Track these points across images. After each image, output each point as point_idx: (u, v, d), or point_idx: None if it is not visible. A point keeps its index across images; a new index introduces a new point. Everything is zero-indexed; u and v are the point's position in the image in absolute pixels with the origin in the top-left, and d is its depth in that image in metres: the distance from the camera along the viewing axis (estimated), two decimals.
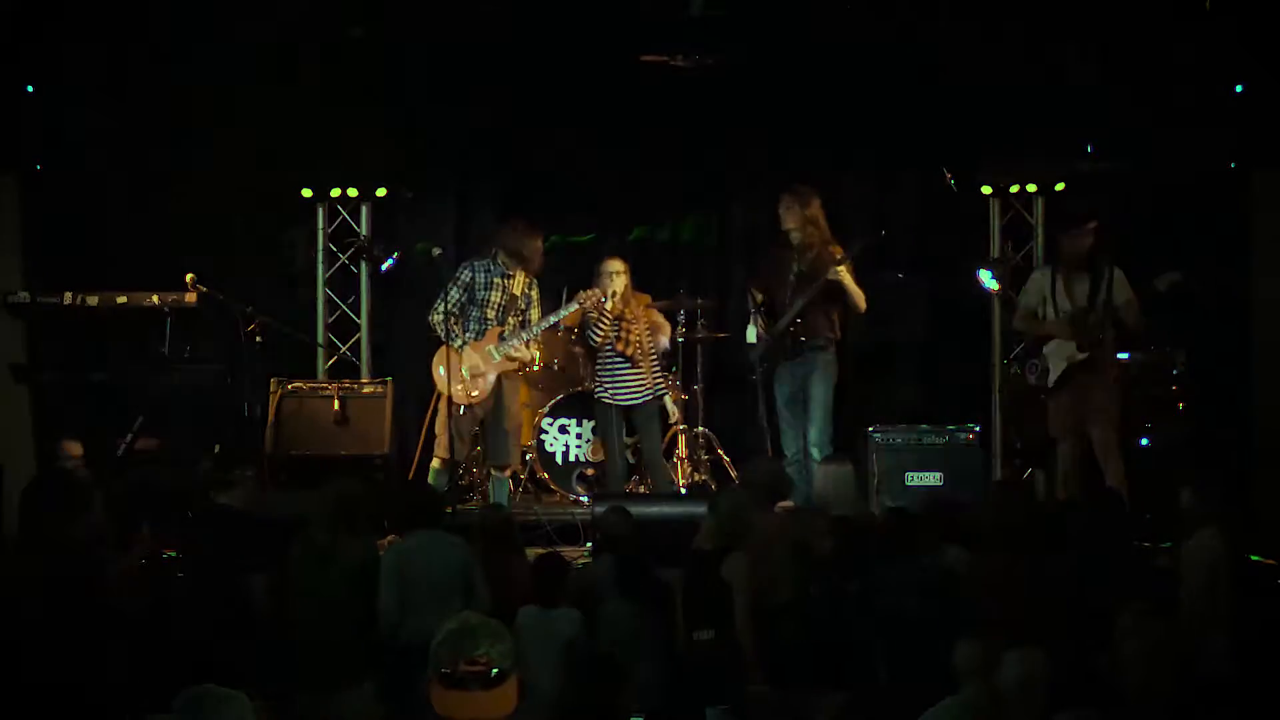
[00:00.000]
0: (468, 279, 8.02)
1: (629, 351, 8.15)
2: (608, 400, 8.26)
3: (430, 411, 8.20)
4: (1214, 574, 5.25)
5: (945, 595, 5.31)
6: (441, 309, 7.90)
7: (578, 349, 8.95)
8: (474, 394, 7.89)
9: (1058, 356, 7.68)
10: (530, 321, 8.10)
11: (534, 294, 8.16)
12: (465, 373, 7.85)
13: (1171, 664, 4.24)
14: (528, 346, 8.12)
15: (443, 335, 7.89)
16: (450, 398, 7.65)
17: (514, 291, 8.04)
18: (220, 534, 5.95)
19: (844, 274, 7.91)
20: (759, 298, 8.24)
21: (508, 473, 8.19)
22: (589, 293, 8.07)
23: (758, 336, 8.55)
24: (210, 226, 9.21)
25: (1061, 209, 9.00)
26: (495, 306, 8.02)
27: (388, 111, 9.27)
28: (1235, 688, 4.58)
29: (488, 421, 8.10)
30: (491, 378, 7.95)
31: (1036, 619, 4.81)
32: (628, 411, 8.27)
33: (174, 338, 8.38)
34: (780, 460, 8.01)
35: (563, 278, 8.82)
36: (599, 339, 8.20)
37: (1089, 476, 7.64)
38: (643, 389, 8.22)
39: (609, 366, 8.24)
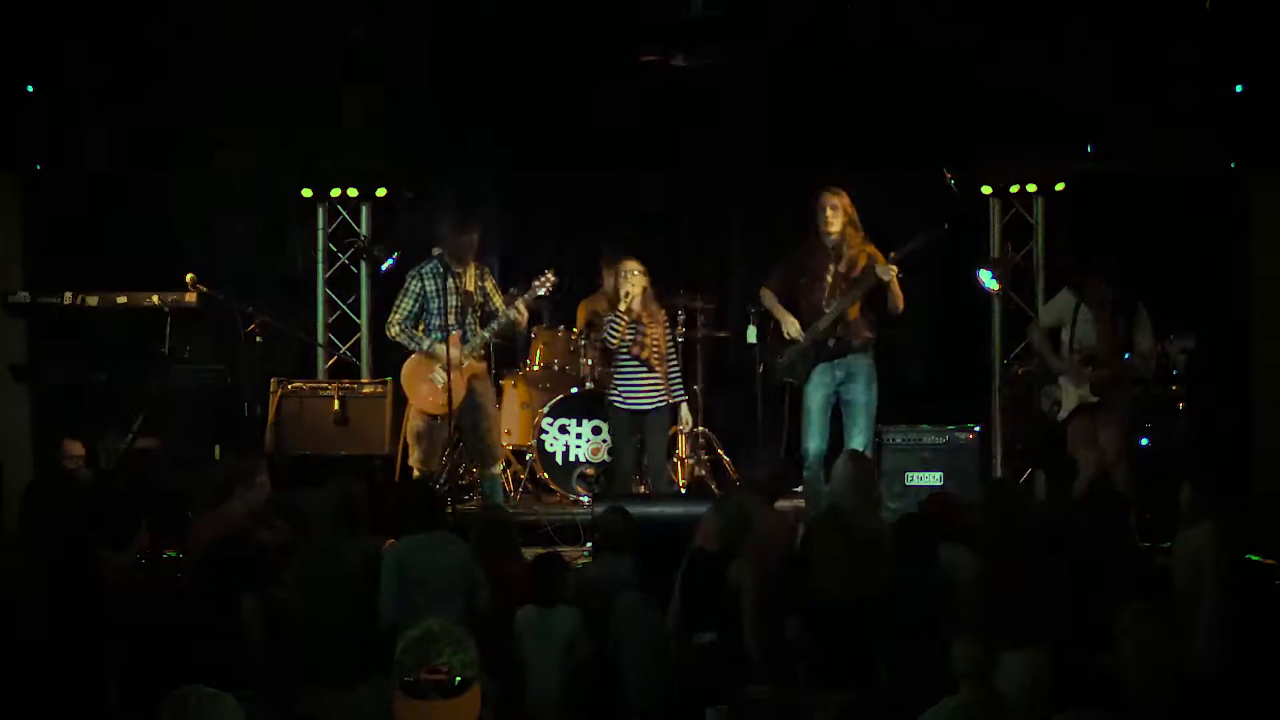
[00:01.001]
0: (418, 288, 7.83)
1: (644, 355, 8.06)
2: (620, 404, 8.18)
3: (405, 422, 8.10)
4: (1203, 571, 5.25)
5: (945, 595, 5.31)
6: (395, 320, 7.81)
7: (586, 349, 8.90)
8: (444, 405, 7.66)
9: (1072, 393, 7.66)
10: (496, 311, 7.89)
11: (488, 284, 7.97)
12: (436, 380, 7.73)
13: (1171, 664, 4.24)
14: (514, 317, 7.87)
15: (406, 344, 7.80)
16: (434, 410, 7.65)
17: (467, 288, 7.86)
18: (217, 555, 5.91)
19: (893, 272, 7.63)
20: (771, 299, 8.03)
21: (498, 468, 8.09)
22: (544, 278, 7.92)
23: (758, 336, 8.53)
24: (210, 226, 9.22)
25: (1089, 261, 8.87)
26: (452, 310, 7.82)
27: (388, 111, 9.28)
28: (1234, 688, 4.58)
29: (465, 427, 7.93)
30: (461, 383, 7.71)
31: (1036, 619, 4.81)
32: (639, 416, 8.17)
33: (174, 338, 8.37)
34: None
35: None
36: (614, 340, 8.07)
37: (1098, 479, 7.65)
38: (656, 394, 8.12)
39: (624, 370, 8.14)
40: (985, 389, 9.63)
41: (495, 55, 9.16)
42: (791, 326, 7.86)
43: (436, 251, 7.90)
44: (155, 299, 8.41)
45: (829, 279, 7.82)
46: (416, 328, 7.86)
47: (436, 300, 7.82)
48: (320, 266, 9.74)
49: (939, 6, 8.80)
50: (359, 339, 9.76)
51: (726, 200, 10.18)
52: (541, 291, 7.90)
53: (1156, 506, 7.26)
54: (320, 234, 9.72)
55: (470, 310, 7.85)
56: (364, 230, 9.71)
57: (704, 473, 8.92)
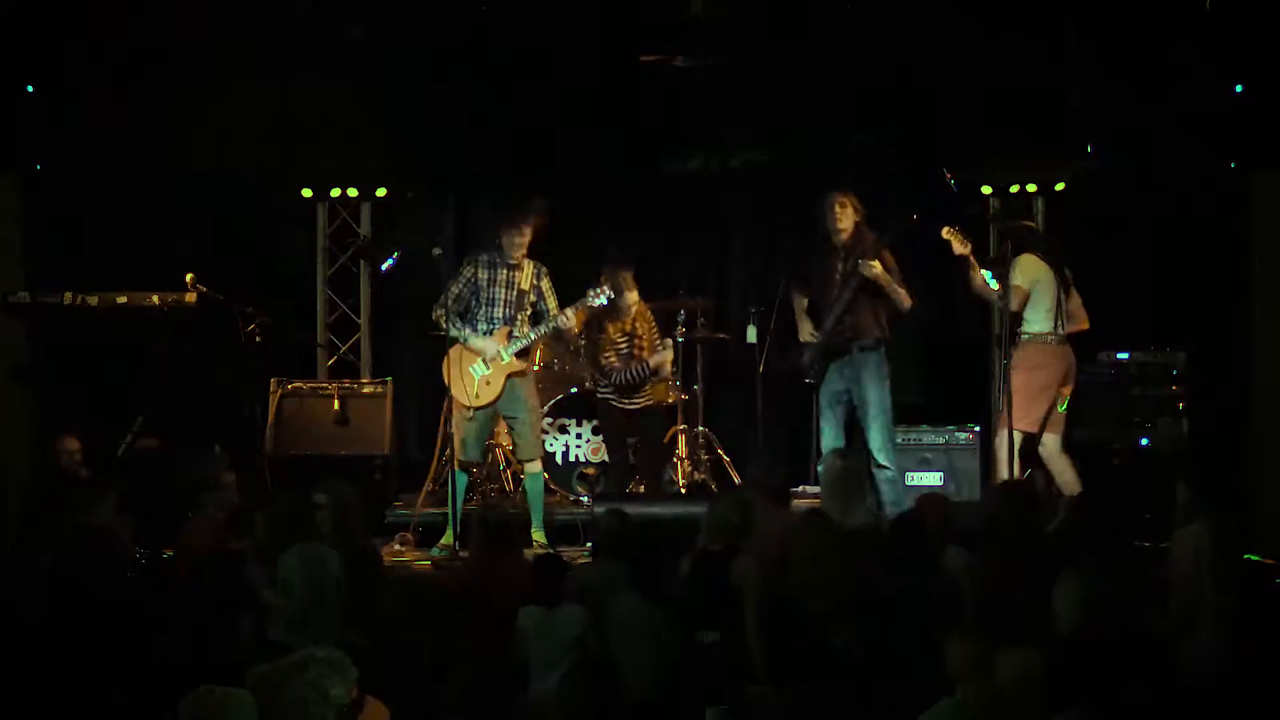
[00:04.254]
0: (470, 274, 7.77)
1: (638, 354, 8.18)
2: (614, 403, 8.25)
3: (444, 415, 8.06)
4: (1199, 570, 5.25)
5: (945, 595, 5.30)
6: (442, 301, 7.71)
7: (585, 349, 8.90)
8: (480, 397, 7.71)
9: None
10: (549, 312, 7.83)
11: (544, 284, 7.88)
12: (475, 374, 7.74)
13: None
14: (564, 324, 7.83)
15: (446, 328, 7.71)
16: (470, 401, 7.67)
17: (522, 286, 7.79)
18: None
19: (876, 268, 7.74)
20: (804, 302, 8.10)
21: (538, 465, 8.04)
22: (600, 289, 7.93)
23: (758, 336, 8.56)
24: (210, 226, 9.22)
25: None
26: (503, 303, 7.78)
27: (388, 111, 9.28)
28: (1233, 687, 4.57)
29: (508, 421, 7.97)
30: (500, 380, 7.75)
31: (1035, 619, 4.80)
32: (633, 415, 8.26)
33: (174, 338, 8.38)
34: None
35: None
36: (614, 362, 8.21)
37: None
38: (641, 394, 8.22)
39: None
40: (985, 389, 9.63)
41: (495, 55, 9.16)
42: (804, 330, 8.00)
43: (497, 242, 7.83)
44: (155, 299, 8.41)
45: (837, 278, 7.89)
46: (464, 315, 7.79)
47: (486, 291, 7.77)
48: (320, 266, 9.74)
49: (939, 6, 8.80)
50: (359, 339, 9.76)
51: (727, 200, 10.17)
52: (595, 302, 7.90)
53: (1156, 506, 7.25)
54: (320, 234, 9.73)
55: (522, 308, 7.81)
56: (364, 230, 9.71)
57: (704, 474, 8.91)
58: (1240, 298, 8.88)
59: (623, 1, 8.88)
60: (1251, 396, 8.80)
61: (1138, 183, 8.96)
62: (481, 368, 7.72)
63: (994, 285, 9.29)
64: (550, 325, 7.84)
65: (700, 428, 8.99)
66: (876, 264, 7.72)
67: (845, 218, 7.87)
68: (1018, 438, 7.59)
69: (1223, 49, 8.41)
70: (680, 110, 9.51)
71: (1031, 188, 9.57)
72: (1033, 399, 7.65)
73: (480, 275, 7.79)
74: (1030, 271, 7.71)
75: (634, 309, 8.27)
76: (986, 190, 9.58)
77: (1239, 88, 8.56)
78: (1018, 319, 7.70)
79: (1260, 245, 8.87)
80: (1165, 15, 8.52)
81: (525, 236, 7.76)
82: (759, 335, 8.66)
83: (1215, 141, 8.66)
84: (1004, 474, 7.41)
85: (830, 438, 8.00)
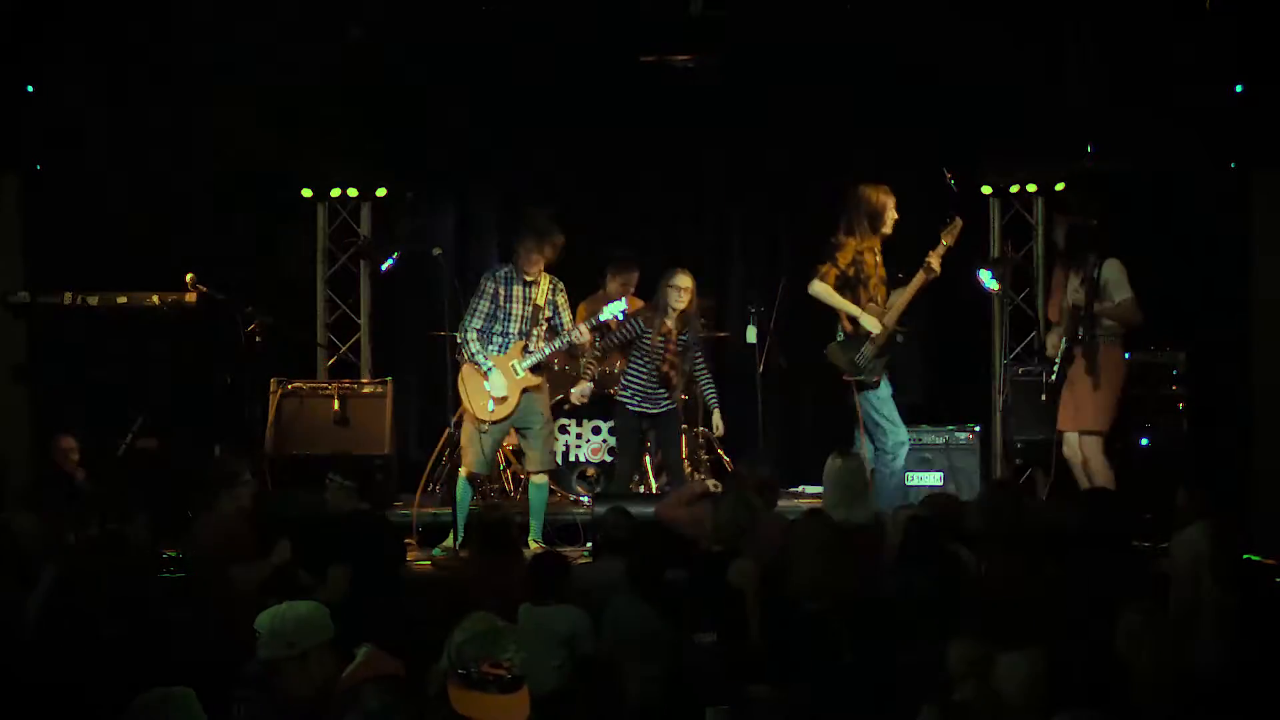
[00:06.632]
0: (492, 290, 7.74)
1: (673, 377, 8.12)
2: (630, 407, 8.13)
3: (454, 421, 8.04)
4: (1199, 571, 5.25)
5: (944, 596, 5.30)
6: (473, 325, 7.70)
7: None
8: (495, 412, 7.69)
9: (1052, 352, 7.71)
10: (564, 326, 7.81)
11: (560, 299, 7.85)
12: (489, 390, 7.70)
13: (1176, 664, 4.25)
14: (577, 339, 7.78)
15: (469, 351, 7.70)
16: (485, 416, 7.65)
17: (537, 301, 7.77)
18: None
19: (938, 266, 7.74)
20: (832, 292, 7.81)
21: (545, 478, 8.00)
22: (611, 304, 8.02)
23: (758, 336, 8.56)
24: (210, 226, 9.22)
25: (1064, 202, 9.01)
26: (519, 319, 7.75)
27: (388, 111, 9.27)
28: (1233, 687, 4.58)
29: (520, 432, 7.95)
30: (516, 395, 7.73)
31: (1036, 619, 4.80)
32: (649, 419, 8.22)
33: (174, 338, 8.38)
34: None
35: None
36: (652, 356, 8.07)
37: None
38: (668, 397, 8.18)
39: (638, 373, 8.10)
40: (985, 389, 9.63)
41: (495, 56, 9.16)
42: (872, 321, 7.75)
43: (515, 258, 7.77)
44: (155, 299, 8.41)
45: (880, 274, 7.84)
46: (480, 331, 7.74)
47: (503, 306, 7.74)
48: (320, 266, 9.75)
49: (939, 6, 8.80)
50: (359, 339, 9.76)
51: (726, 200, 10.18)
52: (608, 316, 7.91)
53: (1156, 506, 7.26)
54: (320, 234, 9.73)
55: (537, 323, 7.79)
56: (364, 230, 9.71)
57: (704, 474, 8.91)
58: (1240, 297, 8.88)
59: (623, 1, 8.88)
60: (1251, 396, 8.80)
61: (1138, 183, 8.96)
62: (499, 382, 7.69)
63: (994, 286, 9.33)
64: (565, 340, 7.82)
65: (700, 428, 9.00)
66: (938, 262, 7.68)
67: (894, 212, 7.82)
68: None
69: (1223, 49, 8.41)
70: (682, 110, 9.51)
71: (1031, 188, 9.58)
72: (1114, 401, 7.60)
73: (500, 291, 7.76)
74: (1125, 274, 7.59)
75: (686, 296, 8.06)
76: (986, 190, 9.59)
77: (1239, 88, 8.55)
78: (1091, 318, 7.56)
79: (1260, 245, 8.86)
80: (1165, 15, 8.51)
81: (545, 257, 7.72)
82: (759, 335, 8.66)
83: (1215, 141, 8.66)
84: (1100, 480, 7.37)
85: (904, 430, 7.86)
